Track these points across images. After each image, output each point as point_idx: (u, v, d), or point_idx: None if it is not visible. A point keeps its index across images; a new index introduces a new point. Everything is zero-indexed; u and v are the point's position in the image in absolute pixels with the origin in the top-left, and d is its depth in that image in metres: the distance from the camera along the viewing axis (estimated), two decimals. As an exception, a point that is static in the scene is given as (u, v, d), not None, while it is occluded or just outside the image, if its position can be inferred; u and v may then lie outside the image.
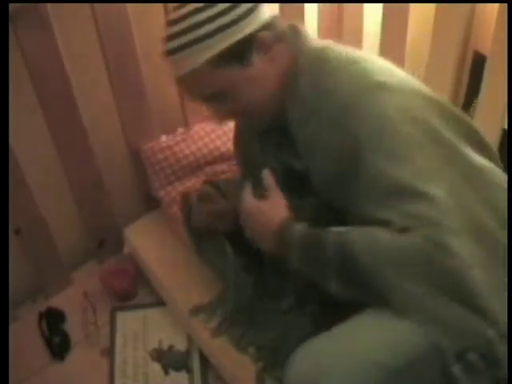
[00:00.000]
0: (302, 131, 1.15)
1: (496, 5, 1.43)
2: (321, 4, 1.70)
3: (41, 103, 1.44)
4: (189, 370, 1.51)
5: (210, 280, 1.45)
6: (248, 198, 1.18)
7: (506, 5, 1.38)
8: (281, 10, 1.66)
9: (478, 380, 0.97)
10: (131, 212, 1.74)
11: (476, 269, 0.96)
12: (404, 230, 0.97)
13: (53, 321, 1.63)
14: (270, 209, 1.16)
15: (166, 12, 1.51)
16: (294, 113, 1.15)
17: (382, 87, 1.07)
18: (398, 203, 0.99)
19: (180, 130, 1.70)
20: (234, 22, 1.09)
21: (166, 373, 1.52)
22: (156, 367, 1.53)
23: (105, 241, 1.74)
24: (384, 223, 0.99)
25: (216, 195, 1.33)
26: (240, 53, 1.11)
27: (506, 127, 1.51)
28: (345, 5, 1.67)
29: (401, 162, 1.01)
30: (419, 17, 1.61)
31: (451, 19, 1.52)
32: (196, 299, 1.45)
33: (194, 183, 1.63)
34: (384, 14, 1.61)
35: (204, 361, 1.50)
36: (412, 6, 1.56)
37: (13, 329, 1.55)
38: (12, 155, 1.42)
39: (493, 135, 1.48)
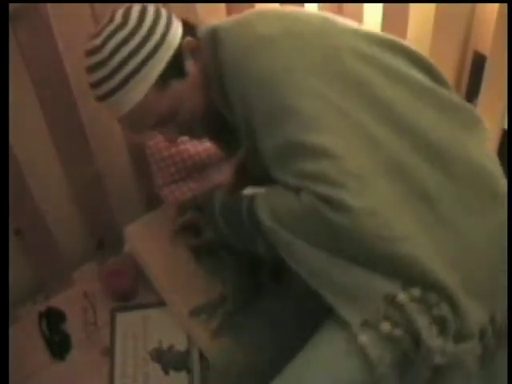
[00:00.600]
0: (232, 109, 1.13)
1: (496, 5, 1.43)
2: (321, 4, 1.70)
3: (41, 103, 1.44)
4: (189, 370, 1.51)
5: (209, 280, 1.45)
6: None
7: (505, 5, 1.38)
8: (281, 9, 1.66)
9: (394, 352, 0.94)
10: (131, 212, 1.74)
11: (388, 213, 0.93)
12: (298, 191, 0.97)
13: (53, 321, 1.63)
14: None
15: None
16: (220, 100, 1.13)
17: (265, 40, 1.06)
18: (292, 163, 0.99)
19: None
20: (160, 44, 1.09)
21: (166, 373, 1.52)
22: (156, 367, 1.53)
23: (103, 241, 1.74)
24: (283, 185, 1.00)
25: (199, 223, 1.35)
26: (176, 67, 1.11)
27: (506, 127, 1.51)
28: (345, 5, 1.67)
29: (285, 117, 1.00)
30: (419, 17, 1.61)
31: (451, 19, 1.53)
32: (196, 299, 1.45)
33: (198, 184, 1.64)
34: (384, 14, 1.61)
35: (204, 361, 1.50)
36: (412, 5, 1.56)
37: (13, 329, 1.55)
38: (12, 155, 1.42)
39: (493, 135, 1.48)
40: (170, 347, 1.56)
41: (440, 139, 1.04)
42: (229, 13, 1.61)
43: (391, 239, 0.92)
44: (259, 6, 1.64)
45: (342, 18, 1.18)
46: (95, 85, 1.10)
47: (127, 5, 1.16)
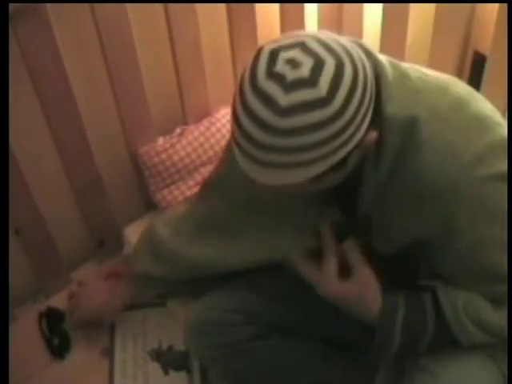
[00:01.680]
0: (374, 194, 1.00)
1: (496, 5, 1.43)
2: (321, 4, 1.70)
3: (41, 103, 1.44)
4: (189, 370, 1.51)
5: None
6: (330, 279, 1.05)
7: (505, 5, 1.38)
8: (281, 9, 1.66)
9: None
10: (131, 212, 1.74)
11: None
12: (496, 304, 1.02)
13: (53, 321, 1.63)
14: (361, 291, 1.06)
15: (167, 12, 1.51)
16: (370, 178, 0.99)
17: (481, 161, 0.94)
18: (488, 285, 1.02)
19: (178, 130, 1.70)
20: (350, 138, 0.87)
21: (166, 373, 1.52)
22: (156, 367, 1.53)
23: (103, 241, 1.74)
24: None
25: None
26: (341, 163, 0.91)
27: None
28: (345, 5, 1.67)
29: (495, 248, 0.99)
30: (419, 17, 1.61)
31: (451, 19, 1.53)
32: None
33: (190, 186, 1.64)
34: (384, 14, 1.61)
35: (204, 361, 1.50)
36: (412, 5, 1.56)
37: (13, 329, 1.55)
38: (12, 155, 1.42)
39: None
40: (170, 347, 1.56)
41: None
42: (229, 13, 1.61)
43: None
44: (259, 7, 1.64)
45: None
46: (269, 148, 0.86)
47: (328, 61, 0.85)
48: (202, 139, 1.68)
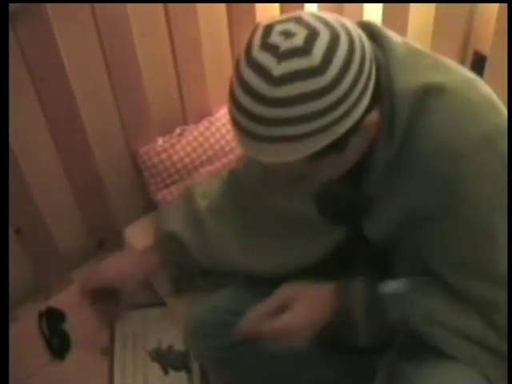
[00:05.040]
0: (382, 171, 0.98)
1: (496, 5, 1.43)
2: (321, 4, 1.70)
3: (41, 103, 1.44)
4: (188, 370, 1.51)
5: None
6: (261, 322, 1.06)
7: (505, 5, 1.38)
8: (281, 9, 1.66)
9: None
10: (131, 212, 1.74)
11: None
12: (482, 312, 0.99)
13: (53, 321, 1.63)
14: (302, 303, 1.06)
15: (167, 12, 1.51)
16: (382, 154, 0.96)
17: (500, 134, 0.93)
18: (480, 284, 0.98)
19: (177, 130, 1.70)
20: (346, 113, 0.85)
21: (166, 373, 1.52)
22: (155, 367, 1.53)
23: (103, 241, 1.74)
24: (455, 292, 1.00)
25: None
26: (342, 143, 0.88)
27: (506, 127, 1.52)
28: (345, 5, 1.67)
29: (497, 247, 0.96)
30: (419, 17, 1.61)
31: (451, 19, 1.52)
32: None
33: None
34: (384, 14, 1.61)
35: (204, 361, 1.50)
36: (412, 5, 1.56)
37: (13, 329, 1.55)
38: (12, 155, 1.42)
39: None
40: (170, 347, 1.56)
41: None
42: (229, 13, 1.61)
43: None
44: (258, 7, 1.64)
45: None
46: (265, 120, 0.85)
47: (322, 30, 0.84)
48: (201, 139, 1.68)
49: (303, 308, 1.06)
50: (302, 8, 1.68)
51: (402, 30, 1.59)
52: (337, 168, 0.95)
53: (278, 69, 0.82)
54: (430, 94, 0.92)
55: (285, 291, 1.09)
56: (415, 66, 0.95)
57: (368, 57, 0.87)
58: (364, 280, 1.06)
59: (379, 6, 1.62)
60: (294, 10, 1.64)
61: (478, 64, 1.58)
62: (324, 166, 0.92)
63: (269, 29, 0.86)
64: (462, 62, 1.61)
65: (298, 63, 0.82)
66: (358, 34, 0.88)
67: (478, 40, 1.58)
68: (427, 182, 0.94)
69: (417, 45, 1.00)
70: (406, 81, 0.92)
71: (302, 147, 0.86)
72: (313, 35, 0.83)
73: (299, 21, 0.86)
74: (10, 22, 1.28)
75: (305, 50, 0.82)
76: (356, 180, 1.01)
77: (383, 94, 0.91)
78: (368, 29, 0.95)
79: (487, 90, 0.99)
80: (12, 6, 1.23)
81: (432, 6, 1.54)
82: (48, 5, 1.33)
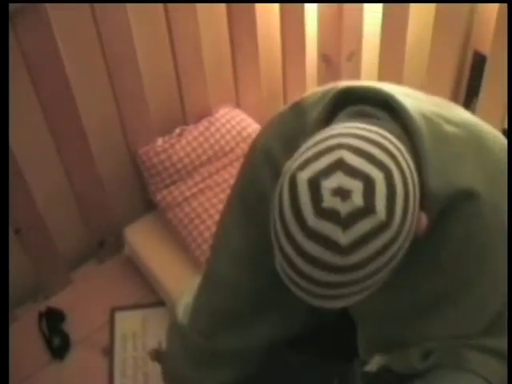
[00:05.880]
0: None
1: (496, 5, 1.43)
2: (321, 4, 1.70)
3: (41, 103, 1.44)
4: (189, 370, 1.51)
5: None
6: None
7: (505, 5, 1.38)
8: (281, 9, 1.67)
9: None
10: (131, 212, 1.74)
11: None
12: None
13: (53, 321, 1.63)
14: None
15: (167, 12, 1.51)
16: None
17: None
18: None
19: (177, 130, 1.70)
20: (407, 241, 0.80)
21: (166, 373, 1.52)
22: (155, 367, 1.53)
23: (103, 241, 1.74)
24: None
25: None
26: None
27: (506, 127, 1.51)
28: (345, 5, 1.67)
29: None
30: (419, 17, 1.61)
31: (451, 19, 1.52)
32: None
33: (189, 186, 1.64)
34: (384, 14, 1.61)
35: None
36: (412, 5, 1.56)
37: (13, 329, 1.55)
38: (12, 155, 1.42)
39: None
40: (170, 347, 1.56)
41: None
42: (229, 13, 1.61)
43: None
44: (258, 7, 1.64)
45: None
46: (339, 286, 0.79)
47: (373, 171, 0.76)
48: (201, 139, 1.68)
49: None
50: (302, 8, 1.68)
51: (402, 30, 1.59)
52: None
53: (345, 238, 0.74)
54: (460, 200, 0.88)
55: None
56: (443, 161, 0.87)
57: (415, 178, 0.80)
58: None
59: (379, 5, 1.62)
60: (294, 10, 1.67)
61: (478, 64, 1.58)
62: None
63: (316, 187, 0.75)
64: (462, 61, 1.60)
65: (364, 226, 0.74)
66: (401, 152, 0.79)
67: (478, 40, 1.57)
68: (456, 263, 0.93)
69: (427, 106, 0.92)
70: (439, 182, 0.85)
71: (367, 292, 0.82)
72: (369, 187, 0.75)
73: (345, 168, 0.75)
74: (10, 22, 1.28)
75: (368, 209, 0.74)
76: None
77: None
78: (385, 101, 0.87)
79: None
80: (12, 6, 1.23)
81: (432, 5, 1.54)
82: (48, 5, 1.33)
